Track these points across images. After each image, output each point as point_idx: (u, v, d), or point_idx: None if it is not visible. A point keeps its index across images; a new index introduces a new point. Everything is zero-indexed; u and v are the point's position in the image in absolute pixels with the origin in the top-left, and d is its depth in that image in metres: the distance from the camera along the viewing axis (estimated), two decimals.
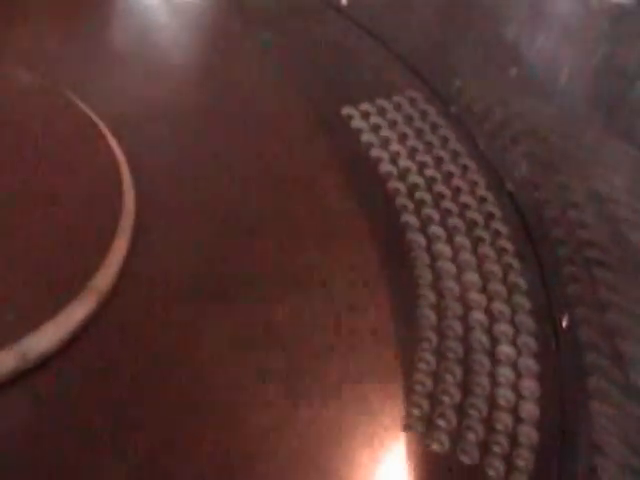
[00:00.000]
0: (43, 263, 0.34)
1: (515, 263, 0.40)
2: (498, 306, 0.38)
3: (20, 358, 0.30)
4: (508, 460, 0.32)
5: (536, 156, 0.44)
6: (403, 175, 0.44)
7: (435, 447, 0.32)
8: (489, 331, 0.37)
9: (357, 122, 0.46)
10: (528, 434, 0.33)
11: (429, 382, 0.34)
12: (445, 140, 0.46)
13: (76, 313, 0.32)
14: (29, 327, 0.30)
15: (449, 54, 0.49)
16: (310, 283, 0.37)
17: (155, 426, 0.30)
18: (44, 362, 0.30)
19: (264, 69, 0.50)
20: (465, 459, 0.32)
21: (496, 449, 0.32)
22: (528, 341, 0.37)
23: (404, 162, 0.44)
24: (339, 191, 0.42)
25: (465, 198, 0.43)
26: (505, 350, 0.36)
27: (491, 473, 0.31)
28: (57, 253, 0.34)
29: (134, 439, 0.29)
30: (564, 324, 0.39)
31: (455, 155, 0.45)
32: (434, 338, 0.36)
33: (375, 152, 0.45)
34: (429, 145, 0.46)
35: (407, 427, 0.32)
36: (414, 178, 0.44)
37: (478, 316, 0.37)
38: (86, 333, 0.32)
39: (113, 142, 0.39)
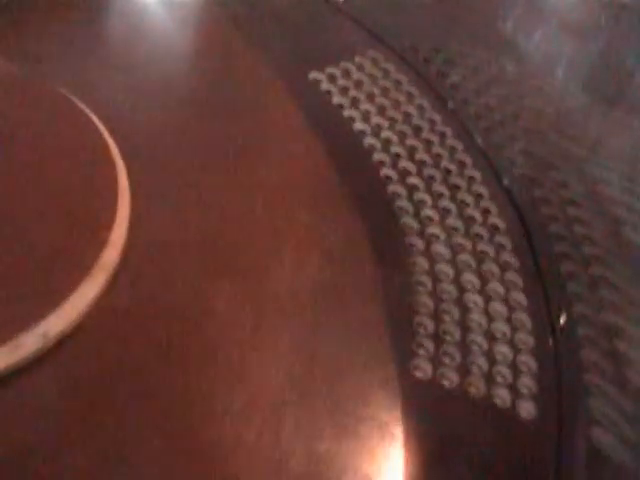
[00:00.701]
0: (50, 248, 0.34)
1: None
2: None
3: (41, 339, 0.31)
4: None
5: (534, 153, 0.44)
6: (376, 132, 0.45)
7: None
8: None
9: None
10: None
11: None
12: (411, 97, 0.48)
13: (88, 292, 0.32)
14: (48, 309, 0.31)
15: (445, 48, 0.49)
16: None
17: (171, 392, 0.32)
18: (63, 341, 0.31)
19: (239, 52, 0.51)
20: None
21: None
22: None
23: (376, 119, 0.46)
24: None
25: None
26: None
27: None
28: (62, 238, 0.35)
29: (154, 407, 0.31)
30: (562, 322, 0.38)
31: (421, 110, 0.47)
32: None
33: (347, 112, 0.46)
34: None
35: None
36: (387, 134, 0.45)
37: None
38: (99, 310, 0.33)
39: (106, 135, 0.39)
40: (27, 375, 0.30)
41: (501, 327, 0.37)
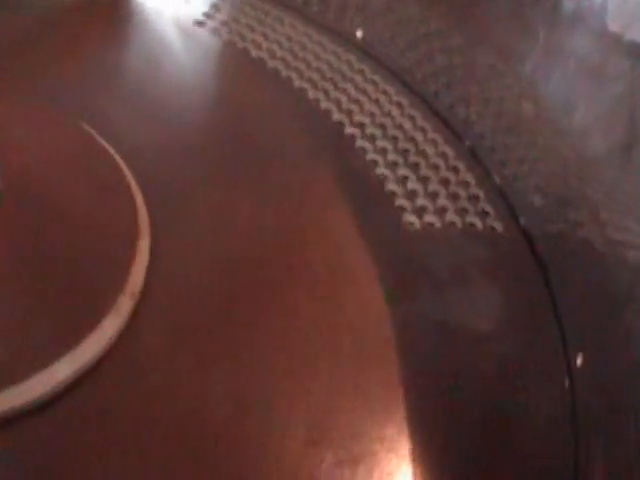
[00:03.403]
0: (69, 286, 0.34)
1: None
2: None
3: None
4: None
5: (549, 193, 0.44)
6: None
7: None
8: None
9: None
10: None
11: None
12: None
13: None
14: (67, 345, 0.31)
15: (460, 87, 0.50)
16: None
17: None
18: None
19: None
20: None
21: None
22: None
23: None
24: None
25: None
26: None
27: None
28: (81, 274, 0.34)
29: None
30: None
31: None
32: None
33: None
34: None
35: None
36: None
37: None
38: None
39: (128, 173, 0.39)
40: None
41: None
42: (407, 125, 0.49)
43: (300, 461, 0.31)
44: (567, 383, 0.38)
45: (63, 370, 0.30)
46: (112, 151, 0.40)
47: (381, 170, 0.45)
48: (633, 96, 0.41)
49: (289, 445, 0.31)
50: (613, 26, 0.41)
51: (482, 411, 0.35)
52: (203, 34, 0.55)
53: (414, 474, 0.32)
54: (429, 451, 0.32)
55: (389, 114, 0.50)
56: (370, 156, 0.46)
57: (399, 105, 0.50)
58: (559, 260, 0.43)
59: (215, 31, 0.55)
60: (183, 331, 0.35)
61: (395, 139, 0.48)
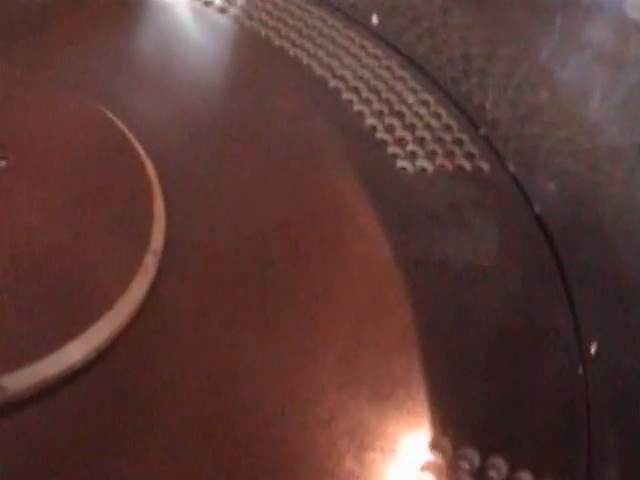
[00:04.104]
0: (64, 288, 0.34)
1: None
2: None
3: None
4: None
5: (566, 183, 0.44)
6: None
7: None
8: None
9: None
10: None
11: None
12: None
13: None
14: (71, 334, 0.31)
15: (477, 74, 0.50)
16: None
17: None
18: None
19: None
20: None
21: None
22: None
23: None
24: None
25: None
26: None
27: None
28: (77, 280, 0.34)
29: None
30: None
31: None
32: None
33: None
34: None
35: None
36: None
37: None
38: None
39: (147, 160, 0.39)
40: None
41: None
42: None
43: (340, 399, 0.33)
44: (580, 371, 0.37)
45: (100, 334, 0.31)
46: (120, 123, 0.40)
47: (370, 120, 0.48)
48: None
49: (327, 386, 0.33)
50: (632, 12, 0.40)
51: (492, 345, 0.37)
52: (214, 14, 0.55)
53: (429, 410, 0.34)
54: (442, 386, 0.34)
55: (402, 98, 0.51)
56: (356, 107, 0.50)
57: (414, 90, 0.51)
58: (574, 249, 0.42)
59: (224, 10, 0.56)
60: (205, 291, 0.36)
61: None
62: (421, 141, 0.47)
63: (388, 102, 0.50)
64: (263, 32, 0.54)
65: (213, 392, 0.32)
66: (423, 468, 0.32)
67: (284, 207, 0.41)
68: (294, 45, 0.53)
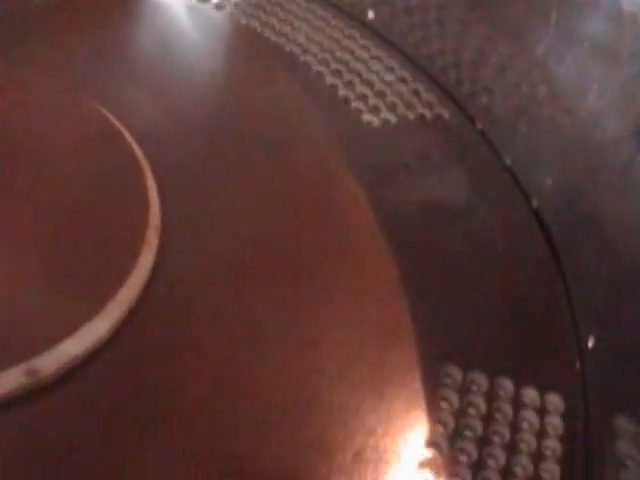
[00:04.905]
0: (75, 269, 0.34)
1: None
2: None
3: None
4: None
5: (563, 177, 0.44)
6: None
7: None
8: None
9: None
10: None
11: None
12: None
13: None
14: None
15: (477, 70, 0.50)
16: None
17: None
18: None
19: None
20: None
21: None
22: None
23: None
24: None
25: None
26: None
27: None
28: (87, 260, 0.35)
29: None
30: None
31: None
32: None
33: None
34: None
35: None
36: None
37: None
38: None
39: (139, 153, 0.39)
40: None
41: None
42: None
43: (349, 337, 0.35)
44: (578, 365, 0.37)
45: (120, 307, 0.32)
46: (114, 119, 0.41)
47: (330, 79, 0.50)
48: None
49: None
50: (628, 5, 0.41)
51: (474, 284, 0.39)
52: (209, 10, 0.55)
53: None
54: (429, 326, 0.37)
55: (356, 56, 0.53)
56: (315, 68, 0.51)
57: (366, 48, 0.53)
58: (572, 244, 0.42)
59: (220, 7, 0.56)
60: (205, 256, 0.37)
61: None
62: (381, 95, 0.49)
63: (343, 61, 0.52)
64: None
65: (228, 356, 0.33)
66: None
67: (271, 178, 0.43)
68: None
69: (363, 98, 0.49)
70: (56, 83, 0.43)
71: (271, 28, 0.54)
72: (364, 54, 0.52)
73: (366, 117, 0.48)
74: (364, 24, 0.55)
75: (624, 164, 0.42)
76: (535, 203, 0.44)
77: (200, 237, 0.38)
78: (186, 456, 0.29)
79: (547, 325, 0.38)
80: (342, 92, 0.49)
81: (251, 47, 0.53)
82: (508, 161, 0.46)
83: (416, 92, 0.50)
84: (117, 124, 0.40)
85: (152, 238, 0.35)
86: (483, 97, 0.49)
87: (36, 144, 0.38)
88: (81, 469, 0.29)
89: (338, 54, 0.52)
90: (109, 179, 0.38)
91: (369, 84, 0.50)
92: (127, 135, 0.40)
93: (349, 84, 0.50)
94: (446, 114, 0.49)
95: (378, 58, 0.52)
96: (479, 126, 0.48)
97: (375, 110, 0.48)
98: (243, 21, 0.55)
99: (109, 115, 0.41)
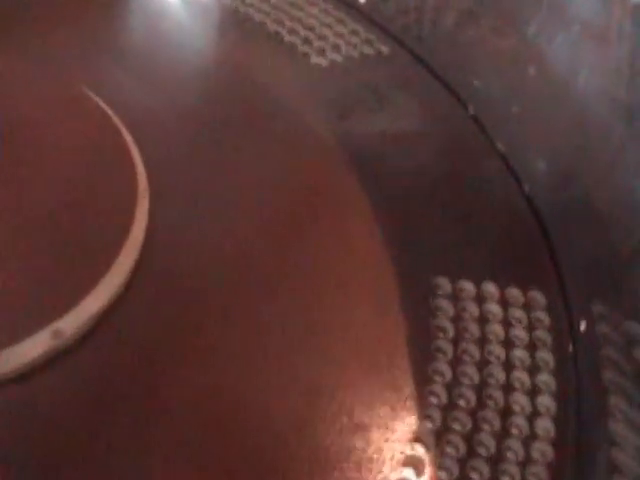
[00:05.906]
0: (79, 235, 0.35)
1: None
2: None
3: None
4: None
5: (555, 160, 0.44)
6: None
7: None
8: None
9: None
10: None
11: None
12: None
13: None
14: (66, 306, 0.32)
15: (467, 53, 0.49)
16: None
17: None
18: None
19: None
20: None
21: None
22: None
23: None
24: None
25: None
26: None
27: None
28: (79, 241, 0.36)
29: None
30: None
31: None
32: None
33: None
34: None
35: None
36: None
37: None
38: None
39: (128, 138, 0.40)
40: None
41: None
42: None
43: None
44: (571, 349, 0.38)
45: (124, 266, 0.34)
46: (115, 117, 0.41)
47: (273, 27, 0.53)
48: (635, 59, 0.41)
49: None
50: None
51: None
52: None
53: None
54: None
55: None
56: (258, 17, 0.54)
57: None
58: (564, 227, 0.43)
59: None
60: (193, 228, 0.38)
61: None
62: (324, 37, 0.52)
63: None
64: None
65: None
66: None
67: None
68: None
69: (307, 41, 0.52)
70: (43, 68, 0.43)
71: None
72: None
73: (314, 60, 0.50)
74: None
75: (616, 143, 0.42)
76: (527, 188, 0.45)
77: (188, 210, 0.39)
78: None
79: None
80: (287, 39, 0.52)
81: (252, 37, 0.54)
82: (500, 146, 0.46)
83: (356, 32, 0.53)
84: (104, 106, 0.41)
85: (144, 203, 0.36)
86: (474, 79, 0.48)
87: (25, 128, 0.39)
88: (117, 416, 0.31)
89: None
90: (97, 157, 0.39)
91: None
92: (115, 118, 0.40)
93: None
94: (386, 50, 0.52)
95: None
96: (471, 111, 0.48)
97: (321, 52, 0.51)
98: (242, 10, 0.54)
99: (97, 98, 0.41)
